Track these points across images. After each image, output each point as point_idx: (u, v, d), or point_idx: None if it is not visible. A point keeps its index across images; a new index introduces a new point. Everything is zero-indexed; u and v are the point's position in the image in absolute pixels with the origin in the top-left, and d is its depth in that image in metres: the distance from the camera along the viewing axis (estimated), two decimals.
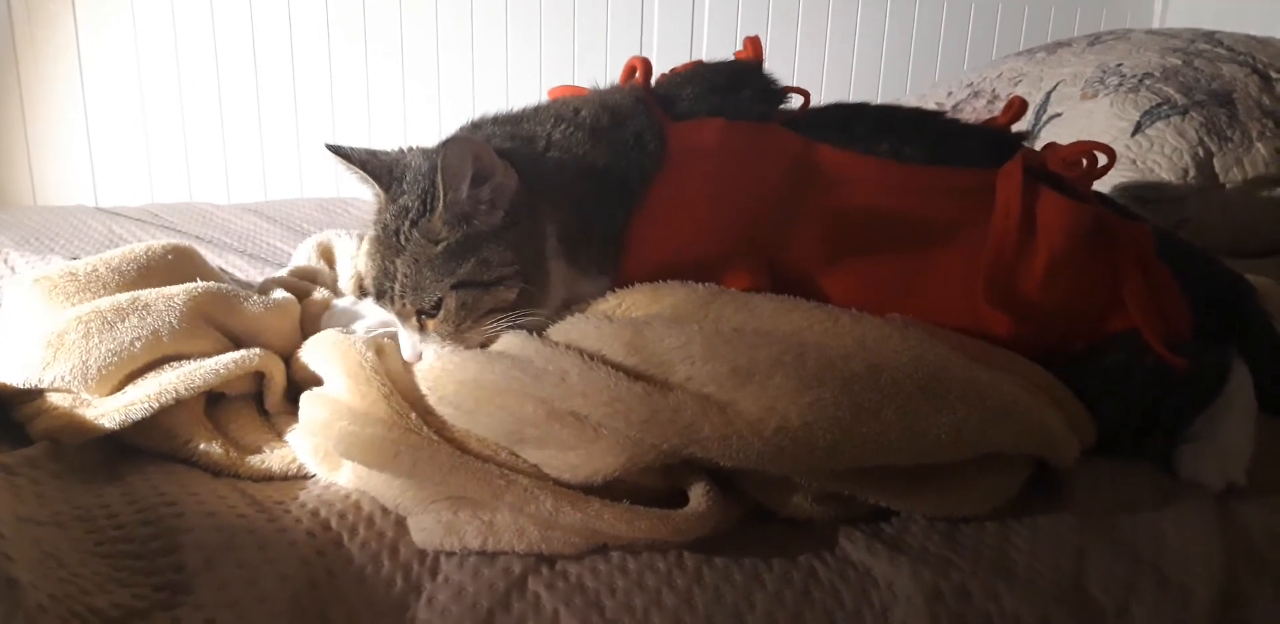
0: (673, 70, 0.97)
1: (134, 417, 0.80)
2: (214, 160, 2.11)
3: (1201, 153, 1.50)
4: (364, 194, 2.06)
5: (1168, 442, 0.90)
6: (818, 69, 2.27)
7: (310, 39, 2.06)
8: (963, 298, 0.88)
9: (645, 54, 2.18)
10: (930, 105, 2.00)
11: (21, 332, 0.86)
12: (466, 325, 0.82)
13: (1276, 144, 1.53)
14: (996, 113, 1.86)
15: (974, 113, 1.89)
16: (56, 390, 0.83)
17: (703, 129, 0.89)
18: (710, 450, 0.72)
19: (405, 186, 0.83)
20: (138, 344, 0.82)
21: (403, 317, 0.82)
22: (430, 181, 0.81)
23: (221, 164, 2.11)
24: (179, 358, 0.85)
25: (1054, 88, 1.75)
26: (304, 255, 1.09)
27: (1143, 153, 1.50)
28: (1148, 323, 0.88)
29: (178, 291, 0.86)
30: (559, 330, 0.81)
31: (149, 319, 0.83)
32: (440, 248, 0.80)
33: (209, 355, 0.85)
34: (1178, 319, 0.93)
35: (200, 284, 0.87)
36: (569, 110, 0.89)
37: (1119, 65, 1.69)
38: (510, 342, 0.81)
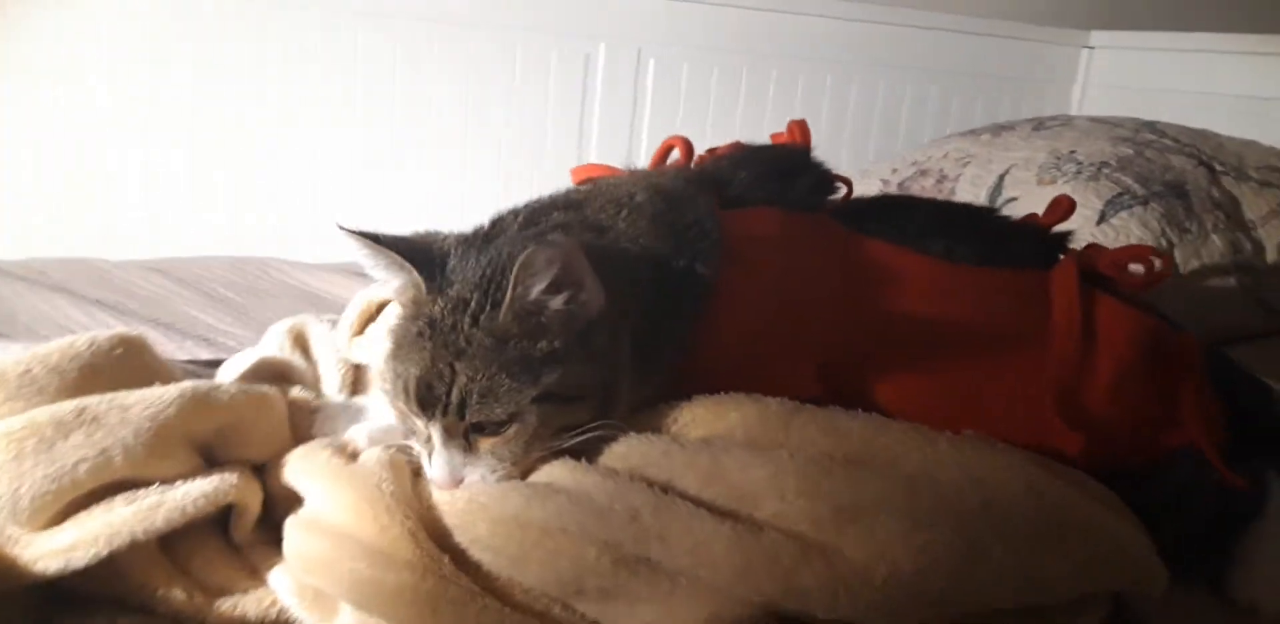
0: (710, 151, 0.89)
1: (76, 565, 0.64)
2: (101, 209, 1.88)
3: (1164, 243, 1.51)
4: (279, 252, 1.87)
5: (1217, 563, 0.86)
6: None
7: (211, 75, 1.87)
8: (1025, 411, 0.82)
9: (584, 130, 2.13)
10: (875, 181, 1.99)
11: None
12: (537, 447, 0.70)
13: (1229, 236, 1.56)
14: (946, 191, 1.87)
15: (923, 191, 1.88)
16: None
17: (761, 219, 0.81)
18: (810, 603, 0.62)
19: (453, 275, 0.71)
20: (82, 468, 0.66)
21: (448, 432, 0.69)
22: (495, 269, 0.69)
23: (110, 213, 1.88)
24: (134, 484, 0.69)
25: (1006, 171, 1.76)
26: (274, 344, 0.93)
27: (1109, 242, 1.51)
28: (1209, 439, 0.84)
29: (135, 401, 0.70)
30: (617, 454, 0.69)
31: (98, 436, 0.67)
32: (516, 352, 0.68)
33: (172, 479, 0.70)
34: (1220, 433, 0.90)
35: (168, 389, 0.71)
36: (624, 194, 0.79)
37: (1072, 152, 1.71)
38: (557, 471, 0.69)
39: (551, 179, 2.07)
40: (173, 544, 0.70)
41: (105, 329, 1.26)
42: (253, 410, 0.77)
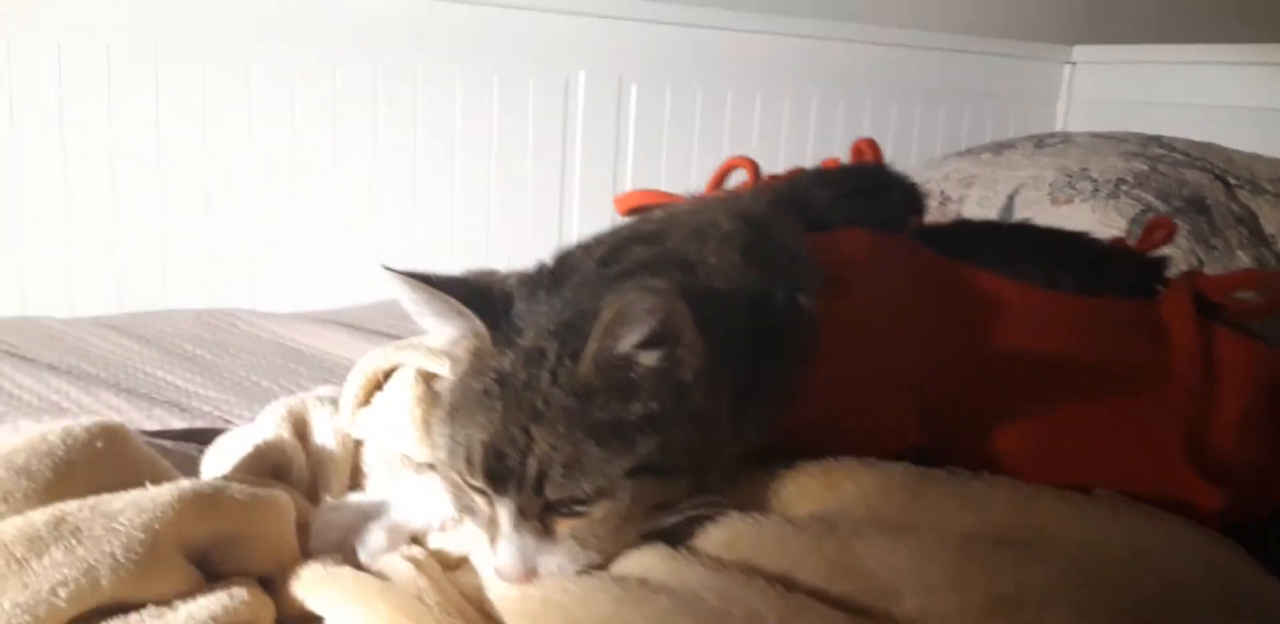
0: (772, 177, 0.78)
1: None
2: (52, 264, 1.72)
3: (1195, 261, 1.45)
4: (245, 301, 1.72)
5: None
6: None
7: (172, 114, 1.74)
8: (1151, 461, 0.72)
9: (567, 158, 2.03)
10: None
11: None
12: (628, 530, 0.58)
13: (1254, 251, 1.50)
14: (951, 214, 1.80)
15: (926, 214, 1.81)
16: None
17: (850, 242, 0.71)
18: None
19: (521, 321, 0.60)
20: (62, 593, 0.53)
21: (521, 513, 0.57)
22: (577, 315, 0.58)
23: (62, 267, 1.72)
24: (124, 607, 0.55)
25: (1016, 191, 1.69)
26: (270, 425, 0.78)
27: None
28: None
29: (122, 506, 0.56)
30: (720, 541, 0.58)
31: (79, 552, 0.54)
32: (605, 415, 0.57)
33: (168, 598, 0.57)
34: None
35: (161, 490, 0.58)
36: (706, 223, 0.68)
37: (1084, 170, 1.65)
38: (649, 561, 0.57)
39: (534, 208, 1.98)
40: None
41: (62, 396, 1.14)
42: (260, 517, 0.63)
